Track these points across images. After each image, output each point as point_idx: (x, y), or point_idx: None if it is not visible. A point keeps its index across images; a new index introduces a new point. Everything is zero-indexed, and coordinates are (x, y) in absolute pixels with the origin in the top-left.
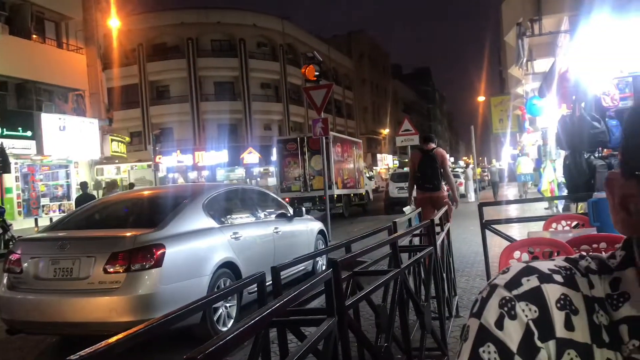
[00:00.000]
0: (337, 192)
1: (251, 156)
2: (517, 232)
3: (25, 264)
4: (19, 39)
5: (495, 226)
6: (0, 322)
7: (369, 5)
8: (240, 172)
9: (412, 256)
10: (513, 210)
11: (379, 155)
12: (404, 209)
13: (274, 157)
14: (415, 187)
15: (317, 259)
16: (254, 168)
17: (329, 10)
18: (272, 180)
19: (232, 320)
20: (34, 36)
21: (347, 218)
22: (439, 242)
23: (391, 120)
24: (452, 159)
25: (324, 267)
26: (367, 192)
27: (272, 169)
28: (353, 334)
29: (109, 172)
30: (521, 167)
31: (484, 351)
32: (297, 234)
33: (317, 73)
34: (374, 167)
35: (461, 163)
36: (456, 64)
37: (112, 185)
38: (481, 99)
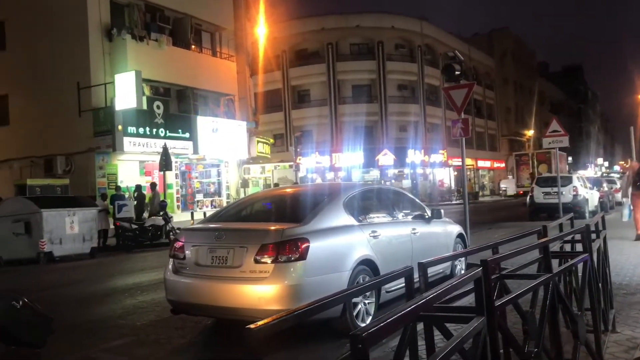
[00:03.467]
0: None
1: (386, 158)
2: None
3: (188, 251)
4: (180, 50)
5: None
6: (166, 303)
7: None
8: (375, 173)
9: (563, 263)
10: None
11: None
12: (622, 199)
13: (409, 158)
14: (631, 186)
15: (456, 263)
16: (389, 170)
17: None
18: (407, 182)
19: (370, 317)
20: (193, 46)
21: (486, 224)
22: (595, 249)
23: (537, 121)
24: (606, 164)
25: (462, 272)
26: None
27: (407, 170)
28: (502, 335)
29: (255, 172)
30: None
31: None
32: (435, 236)
33: (457, 72)
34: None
35: (617, 168)
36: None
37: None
38: None
